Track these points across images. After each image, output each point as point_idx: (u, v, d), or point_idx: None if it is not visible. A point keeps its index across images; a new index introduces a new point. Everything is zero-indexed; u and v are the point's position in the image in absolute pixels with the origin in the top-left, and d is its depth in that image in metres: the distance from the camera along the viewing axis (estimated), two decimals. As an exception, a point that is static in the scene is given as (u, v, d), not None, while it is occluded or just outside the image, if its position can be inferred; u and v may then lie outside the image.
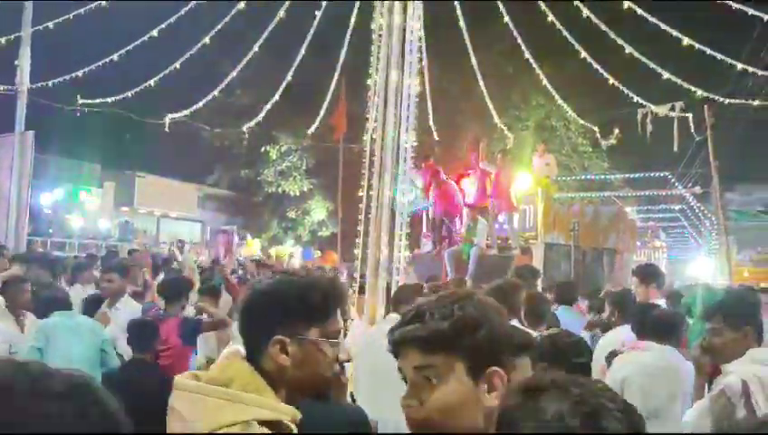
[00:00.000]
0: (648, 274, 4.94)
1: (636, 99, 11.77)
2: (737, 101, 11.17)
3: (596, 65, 10.59)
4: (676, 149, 13.32)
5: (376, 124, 4.93)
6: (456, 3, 10.55)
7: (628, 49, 9.79)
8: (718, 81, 12.33)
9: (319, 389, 1.58)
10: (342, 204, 17.51)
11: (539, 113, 19.81)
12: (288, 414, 1.40)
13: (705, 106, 11.00)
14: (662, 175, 20.04)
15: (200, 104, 13.45)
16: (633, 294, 4.84)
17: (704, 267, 24.70)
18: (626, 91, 11.17)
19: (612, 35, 10.08)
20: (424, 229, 13.29)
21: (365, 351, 4.19)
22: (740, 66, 9.91)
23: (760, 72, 10.01)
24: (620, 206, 17.26)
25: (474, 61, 11.88)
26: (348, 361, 1.72)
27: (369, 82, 5.18)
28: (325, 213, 26.57)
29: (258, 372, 1.45)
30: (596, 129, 13.92)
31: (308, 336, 1.50)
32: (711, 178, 14.63)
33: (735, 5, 8.26)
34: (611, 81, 10.94)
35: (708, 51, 9.61)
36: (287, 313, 1.50)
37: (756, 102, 11.10)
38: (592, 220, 13.86)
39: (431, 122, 13.36)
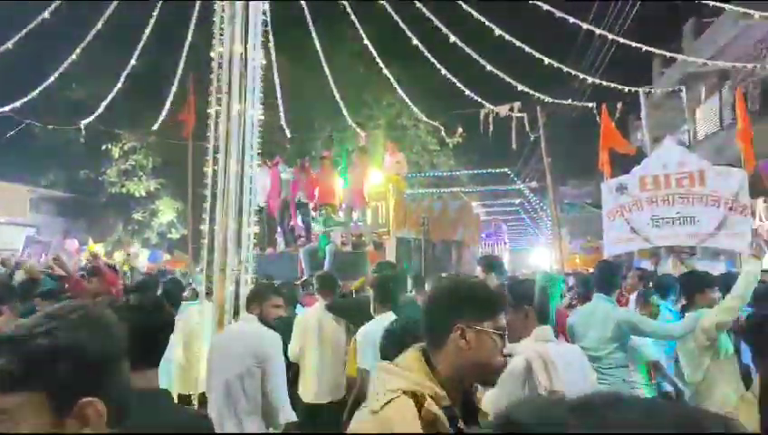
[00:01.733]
0: (490, 264, 5.26)
1: (477, 99, 12.44)
2: (565, 102, 12.24)
3: (439, 66, 11.06)
4: (514, 146, 14.29)
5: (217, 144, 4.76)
6: (303, 2, 10.49)
7: (469, 51, 10.30)
8: (550, 83, 13.40)
9: (486, 374, 1.87)
10: (193, 204, 16.81)
11: (390, 113, 20.33)
12: (429, 390, 1.72)
13: (538, 107, 11.92)
14: (502, 171, 21.46)
15: (28, 97, 12.25)
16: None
17: (542, 256, 26.86)
18: (467, 91, 11.77)
19: (453, 38, 10.54)
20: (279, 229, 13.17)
21: (214, 356, 4.08)
22: (566, 69, 10.85)
23: (582, 76, 11.06)
24: (467, 200, 18.24)
25: (323, 59, 11.92)
26: (509, 355, 2.07)
27: (210, 110, 4.98)
28: (174, 214, 25.35)
29: (433, 356, 1.82)
30: (441, 127, 14.56)
31: (483, 327, 1.82)
32: (545, 174, 15.99)
33: (560, 14, 9.09)
34: (455, 82, 11.47)
35: (539, 55, 10.40)
36: (467, 307, 1.83)
37: (581, 103, 12.25)
38: (441, 215, 14.51)
39: (282, 122, 13.24)
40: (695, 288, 4.91)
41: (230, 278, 4.71)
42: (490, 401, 2.81)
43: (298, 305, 6.87)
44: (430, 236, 12.87)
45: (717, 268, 10.12)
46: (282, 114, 12.87)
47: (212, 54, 4.93)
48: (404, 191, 13.68)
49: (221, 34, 4.87)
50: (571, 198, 31.95)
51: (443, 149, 20.86)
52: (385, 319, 4.08)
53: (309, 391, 5.31)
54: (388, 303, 4.55)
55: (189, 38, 11.04)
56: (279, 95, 12.29)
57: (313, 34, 11.28)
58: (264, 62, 5.02)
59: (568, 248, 23.03)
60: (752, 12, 10.60)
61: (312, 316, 5.52)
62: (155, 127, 13.69)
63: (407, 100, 13.22)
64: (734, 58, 15.78)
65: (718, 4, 9.62)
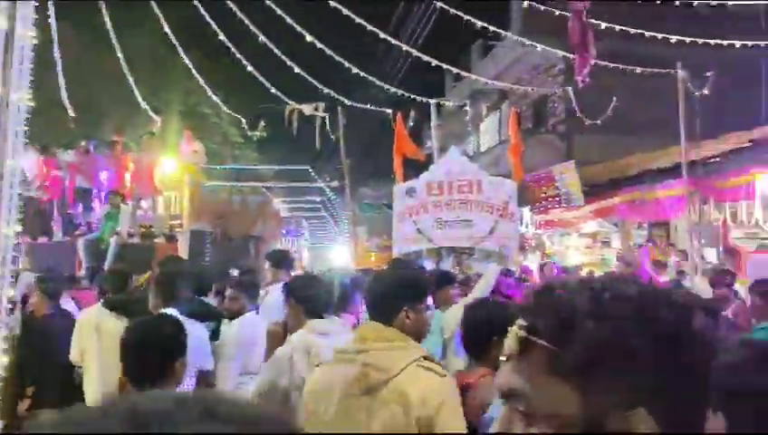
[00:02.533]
0: (279, 259, 5.31)
1: (281, 96, 12.46)
2: (364, 106, 12.78)
3: (245, 61, 10.88)
4: (318, 145, 14.53)
5: None
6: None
7: (271, 46, 10.28)
8: (354, 86, 13.84)
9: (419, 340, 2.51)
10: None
11: (191, 99, 19.49)
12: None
13: (339, 108, 12.26)
14: (304, 168, 21.71)
15: None
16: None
17: (340, 253, 27.63)
18: (272, 88, 11.74)
19: (262, 37, 10.43)
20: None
21: None
22: (362, 74, 11.33)
23: (378, 82, 11.65)
24: (268, 196, 18.16)
25: (113, 35, 11.06)
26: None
27: None
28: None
29: None
30: (243, 120, 14.33)
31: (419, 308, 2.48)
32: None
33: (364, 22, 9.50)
34: (258, 76, 11.38)
35: (340, 58, 10.73)
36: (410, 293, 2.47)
37: (378, 109, 12.88)
38: (240, 209, 14.28)
39: (65, 100, 12.01)
40: (437, 285, 5.37)
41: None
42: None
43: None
44: (228, 230, 12.61)
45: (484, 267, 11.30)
46: (64, 93, 11.67)
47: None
48: (201, 182, 13.23)
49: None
50: (372, 199, 33.22)
51: (246, 142, 20.52)
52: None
53: (93, 396, 4.90)
54: (170, 300, 4.35)
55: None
56: (61, 72, 11.14)
57: (102, 8, 10.40)
58: (36, 42, 4.51)
59: (365, 247, 23.96)
60: (525, 41, 11.98)
61: (91, 315, 5.09)
62: None
63: (205, 87, 12.80)
64: (513, 80, 17.69)
65: (499, 30, 10.71)
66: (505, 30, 13.43)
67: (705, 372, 0.79)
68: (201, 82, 12.48)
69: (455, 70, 12.81)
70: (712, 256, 11.60)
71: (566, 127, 16.97)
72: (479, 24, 9.05)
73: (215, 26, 10.28)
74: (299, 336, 3.14)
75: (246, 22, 9.26)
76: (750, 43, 9.44)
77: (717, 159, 10.61)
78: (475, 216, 9.63)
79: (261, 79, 11.26)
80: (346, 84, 13.26)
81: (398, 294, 2.42)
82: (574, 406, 0.75)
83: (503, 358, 0.83)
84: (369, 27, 9.03)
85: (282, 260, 5.48)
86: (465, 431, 2.24)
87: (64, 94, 11.56)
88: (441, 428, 2.13)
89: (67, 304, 5.87)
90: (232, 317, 4.67)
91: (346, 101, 12.31)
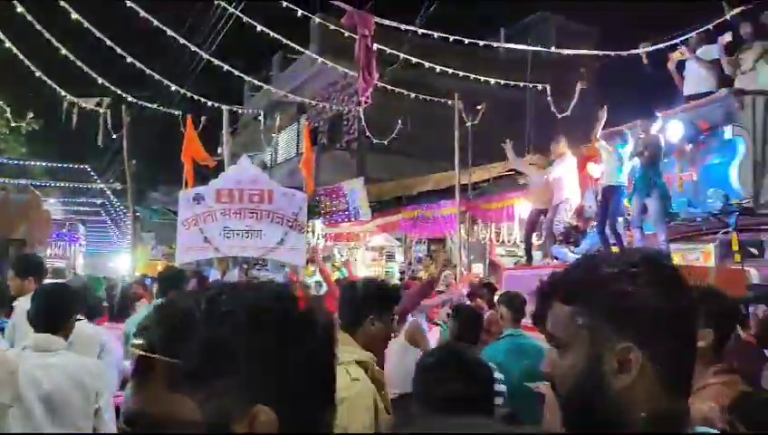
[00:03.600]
0: (24, 266, 4.77)
1: (55, 86, 11.30)
2: (151, 105, 12.10)
3: (9, 44, 9.66)
4: (100, 143, 13.39)
5: None
6: None
7: (43, 32, 9.29)
8: (142, 83, 13.00)
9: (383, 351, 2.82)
10: None
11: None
12: (370, 358, 2.53)
13: (123, 106, 11.46)
14: (82, 167, 19.88)
15: None
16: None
17: (123, 261, 25.69)
18: (42, 75, 10.59)
19: (33, 21, 9.37)
20: None
21: None
22: (148, 71, 10.74)
23: (166, 82, 11.13)
24: (35, 195, 16.26)
25: None
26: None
27: None
28: None
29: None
30: (7, 108, 12.72)
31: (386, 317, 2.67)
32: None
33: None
34: (26, 60, 10.19)
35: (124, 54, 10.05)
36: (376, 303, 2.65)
37: (166, 110, 12.30)
38: (1, 209, 12.66)
39: None
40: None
41: None
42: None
43: None
44: (-18, 232, 11.07)
45: (280, 279, 11.31)
46: None
47: None
48: (-50, 176, 11.47)
49: None
50: (161, 204, 31.44)
51: (13, 133, 18.21)
52: None
53: None
54: None
55: None
56: None
57: None
58: None
59: (149, 254, 22.62)
60: (318, 58, 12.30)
61: None
62: None
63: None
64: (310, 95, 18.02)
65: (296, 46, 10.88)
66: (305, 45, 13.66)
67: (323, 366, 0.84)
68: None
69: (247, 78, 12.69)
70: (479, 269, 12.89)
71: (358, 145, 17.71)
72: (271, 35, 9.05)
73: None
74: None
75: (21, 9, 8.27)
76: (512, 83, 10.72)
77: (485, 184, 11.85)
78: (264, 226, 9.58)
79: (29, 64, 10.09)
80: (133, 81, 12.46)
81: (364, 303, 2.63)
82: (198, 417, 0.74)
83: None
84: (156, 23, 8.57)
85: (30, 269, 4.83)
86: (362, 431, 2.33)
87: None
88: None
89: None
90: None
91: (131, 99, 11.54)
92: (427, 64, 9.55)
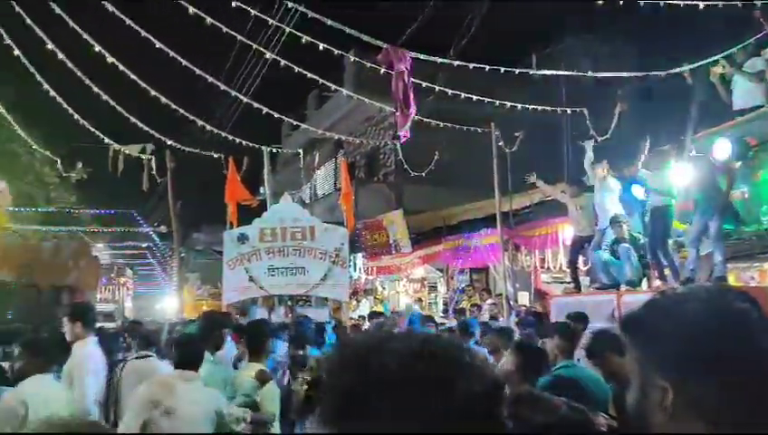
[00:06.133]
0: (75, 312, 4.89)
1: (103, 137, 11.69)
2: (194, 150, 12.40)
3: (59, 99, 10.06)
4: (145, 188, 13.76)
5: None
6: None
7: (91, 85, 9.65)
8: (184, 128, 13.35)
9: None
10: None
11: (-1, 135, 17.64)
12: None
13: (167, 151, 11.80)
14: (128, 212, 20.43)
15: None
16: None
17: (170, 302, 26.12)
18: (89, 126, 10.98)
19: (80, 74, 9.75)
20: None
21: None
22: (191, 118, 11.05)
23: (209, 127, 11.42)
24: (85, 241, 16.76)
25: None
26: None
27: None
28: None
29: None
30: (57, 159, 13.21)
31: None
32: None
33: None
34: (75, 114, 10.58)
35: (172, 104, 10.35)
36: None
37: (208, 153, 12.58)
38: (52, 256, 13.05)
39: None
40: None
41: None
42: None
43: None
44: (36, 279, 11.43)
45: (323, 314, 11.32)
46: None
47: None
48: (5, 226, 11.91)
49: None
50: (205, 245, 32.01)
51: (63, 182, 18.87)
52: None
53: None
54: None
55: None
56: None
57: None
58: None
59: (195, 294, 22.95)
60: (354, 95, 12.46)
61: None
62: None
63: (14, 124, 11.66)
64: (346, 131, 18.26)
65: (331, 84, 11.07)
66: (339, 83, 13.89)
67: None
68: (9, 119, 11.32)
69: (286, 119, 12.94)
70: (525, 298, 12.66)
71: (395, 177, 17.78)
72: (308, 75, 9.22)
73: (24, 60, 9.46)
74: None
75: (62, 57, 8.63)
76: (549, 108, 10.65)
77: (527, 211, 11.73)
78: (308, 263, 9.63)
79: (77, 117, 10.47)
80: (176, 126, 12.82)
81: None
82: None
83: None
84: (198, 72, 8.83)
85: (80, 314, 4.93)
86: None
87: None
88: None
89: None
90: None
91: (174, 144, 11.85)
92: (463, 95, 9.58)
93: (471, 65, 8.31)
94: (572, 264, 9.26)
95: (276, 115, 10.67)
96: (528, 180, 9.12)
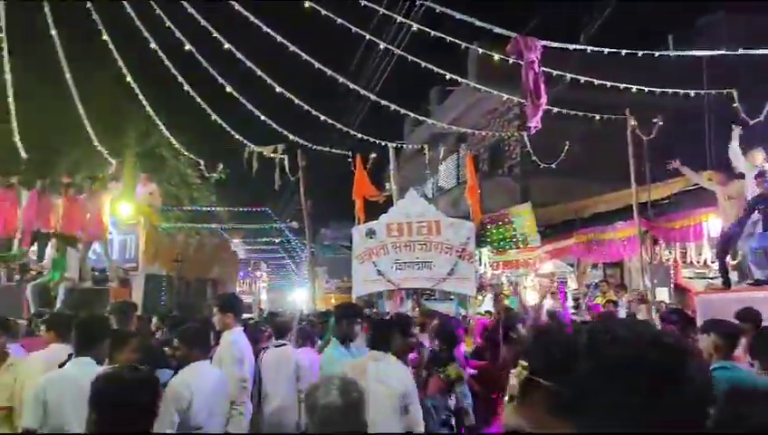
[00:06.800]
0: (225, 303, 5.20)
1: (240, 138, 12.41)
2: (325, 148, 12.86)
3: (200, 101, 10.83)
4: (277, 187, 14.47)
5: None
6: (47, 13, 9.53)
7: (231, 91, 10.28)
8: (314, 126, 13.90)
9: None
10: None
11: (148, 141, 19.28)
12: None
13: (299, 150, 12.30)
14: (263, 210, 21.58)
15: None
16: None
17: (300, 294, 27.36)
18: (229, 129, 11.70)
19: (220, 80, 10.41)
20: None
21: None
22: (323, 118, 11.45)
23: (338, 126, 11.78)
24: (225, 238, 17.92)
25: (69, 78, 10.92)
26: None
27: None
28: None
29: None
30: (201, 162, 14.20)
31: None
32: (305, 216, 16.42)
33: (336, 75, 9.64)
34: (218, 119, 11.34)
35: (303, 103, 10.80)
36: None
37: (338, 151, 12.99)
38: (197, 251, 14.06)
39: (17, 139, 11.77)
40: None
41: None
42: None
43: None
44: (184, 273, 12.37)
45: (450, 309, 11.31)
46: (15, 131, 11.44)
47: None
48: (157, 225, 12.99)
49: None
50: (332, 240, 33.21)
51: (204, 183, 20.32)
52: (83, 363, 3.75)
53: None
54: (87, 349, 3.83)
55: None
56: (13, 110, 10.91)
57: (57, 47, 10.25)
58: None
59: (324, 288, 23.78)
60: (480, 87, 12.31)
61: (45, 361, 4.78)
62: None
63: (164, 130, 12.69)
64: (469, 124, 18.09)
65: (456, 77, 10.99)
66: (463, 76, 13.77)
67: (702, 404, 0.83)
68: (159, 124, 12.34)
69: (412, 114, 13.03)
70: (664, 295, 11.90)
71: (521, 169, 17.37)
72: (435, 69, 9.22)
73: (172, 69, 10.26)
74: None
75: (205, 64, 9.28)
76: (692, 92, 9.91)
77: (666, 202, 10.99)
78: (434, 257, 9.63)
79: (220, 121, 11.21)
80: (306, 126, 13.34)
81: None
82: None
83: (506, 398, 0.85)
84: (329, 72, 9.12)
85: (230, 305, 5.26)
86: None
87: (16, 134, 11.35)
88: None
89: (17, 350, 5.60)
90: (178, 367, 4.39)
91: (305, 143, 12.35)
92: (596, 82, 9.14)
93: (606, 50, 7.90)
94: (721, 258, 8.55)
95: (403, 112, 10.78)
96: (671, 167, 8.53)
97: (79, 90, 11.61)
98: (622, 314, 10.29)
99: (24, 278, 10.75)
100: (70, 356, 4.23)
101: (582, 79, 9.14)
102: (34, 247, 10.98)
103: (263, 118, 10.90)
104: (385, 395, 4.04)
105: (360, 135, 11.95)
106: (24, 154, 12.20)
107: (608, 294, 12.36)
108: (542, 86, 7.60)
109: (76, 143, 16.03)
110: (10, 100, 10.70)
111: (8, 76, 9.85)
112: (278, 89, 9.65)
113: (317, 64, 8.94)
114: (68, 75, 10.90)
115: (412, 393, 4.21)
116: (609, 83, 9.24)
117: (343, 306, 7.22)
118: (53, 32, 9.75)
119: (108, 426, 2.43)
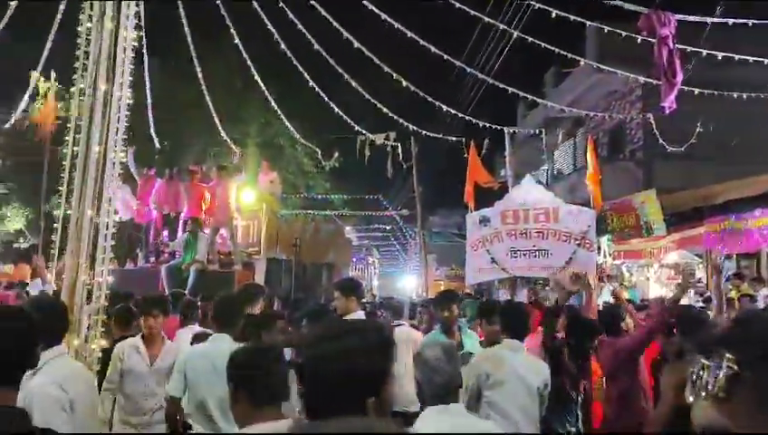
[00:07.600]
0: (348, 287, 5.29)
1: (355, 126, 12.63)
2: (437, 135, 12.77)
3: (318, 90, 11.09)
4: (389, 175, 14.62)
5: (79, 137, 4.43)
6: (180, 8, 10.09)
7: (348, 78, 10.43)
8: (425, 114, 13.88)
9: None
10: (46, 213, 15.46)
11: (268, 131, 20.12)
12: None
13: (412, 138, 12.33)
14: (375, 197, 21.89)
15: None
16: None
17: (409, 281, 27.57)
18: (346, 118, 11.93)
19: (335, 65, 10.61)
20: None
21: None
22: (444, 107, 11.35)
23: (452, 111, 11.62)
24: (339, 224, 18.38)
25: (198, 70, 11.55)
26: None
27: (73, 89, 4.62)
28: (24, 222, 23.19)
29: None
30: (318, 150, 14.61)
31: None
32: (416, 203, 16.54)
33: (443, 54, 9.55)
34: (335, 108, 11.58)
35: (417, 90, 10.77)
36: None
37: (451, 137, 12.86)
38: (313, 237, 14.51)
39: (152, 131, 12.67)
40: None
41: (80, 292, 4.33)
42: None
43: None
44: (302, 257, 12.81)
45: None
46: (150, 122, 12.31)
47: (79, 29, 4.60)
48: (277, 211, 13.53)
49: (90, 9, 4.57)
50: (440, 227, 33.14)
51: (319, 171, 20.94)
52: (219, 341, 3.95)
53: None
54: (226, 327, 4.07)
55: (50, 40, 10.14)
56: (149, 101, 11.72)
57: (189, 41, 10.84)
58: (135, 44, 4.76)
59: (434, 275, 23.82)
60: (603, 67, 11.71)
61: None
62: (7, 125, 12.50)
63: (284, 119, 13.14)
64: (587, 107, 17.31)
65: (576, 57, 10.53)
66: (581, 56, 13.18)
67: None
68: (279, 113, 12.79)
69: (530, 97, 12.62)
70: (808, 289, 10.83)
71: (644, 154, 16.41)
72: (555, 50, 8.85)
73: (293, 59, 10.56)
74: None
75: (324, 54, 9.47)
76: None
77: (815, 187, 9.99)
78: (551, 245, 9.34)
79: (337, 110, 11.43)
80: (418, 113, 13.33)
81: None
82: None
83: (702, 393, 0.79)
84: (445, 57, 9.01)
85: (352, 289, 5.38)
86: None
87: (151, 124, 12.20)
88: None
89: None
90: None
91: (418, 130, 12.33)
92: (737, 57, 8.41)
93: (750, 22, 7.23)
94: None
95: (521, 94, 10.47)
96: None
97: (206, 83, 12.26)
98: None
99: (159, 260, 11.61)
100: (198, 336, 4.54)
101: (720, 55, 8.42)
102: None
103: (378, 105, 10.96)
104: (524, 387, 4.00)
105: (474, 120, 11.74)
106: (157, 145, 13.13)
107: (742, 287, 11.44)
108: (677, 64, 7.09)
109: (202, 134, 17.04)
110: (147, 94, 11.45)
111: (146, 74, 10.54)
112: (395, 76, 9.65)
113: (433, 49, 8.84)
114: (198, 70, 11.52)
115: (548, 383, 4.16)
116: (752, 58, 8.45)
117: (441, 293, 7.24)
118: (186, 29, 10.31)
119: (245, 398, 2.51)
